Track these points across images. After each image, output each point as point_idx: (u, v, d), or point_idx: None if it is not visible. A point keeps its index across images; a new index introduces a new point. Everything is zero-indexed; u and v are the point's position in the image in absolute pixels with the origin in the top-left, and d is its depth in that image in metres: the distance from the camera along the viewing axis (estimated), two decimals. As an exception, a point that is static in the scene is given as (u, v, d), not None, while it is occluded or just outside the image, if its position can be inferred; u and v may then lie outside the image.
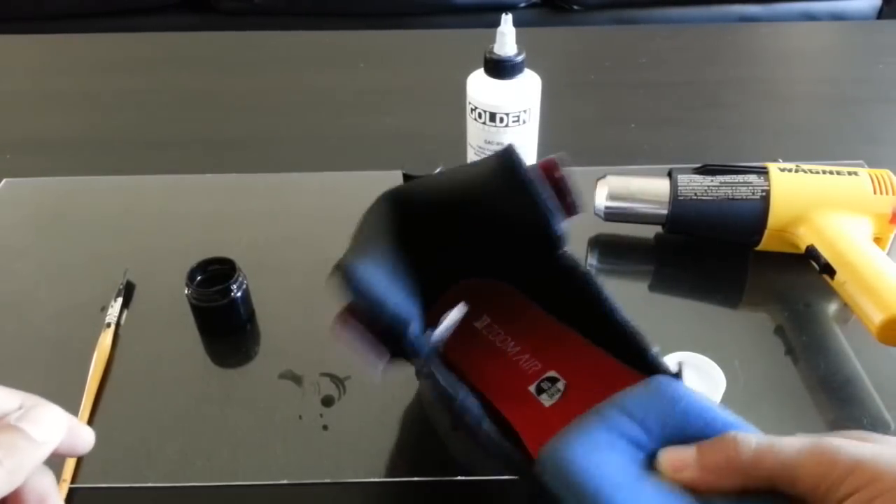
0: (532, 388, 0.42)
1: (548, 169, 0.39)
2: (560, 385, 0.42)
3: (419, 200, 0.43)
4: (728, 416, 0.33)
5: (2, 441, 0.27)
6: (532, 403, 0.42)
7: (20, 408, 0.29)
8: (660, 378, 0.35)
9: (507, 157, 0.39)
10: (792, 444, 0.31)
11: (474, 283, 0.47)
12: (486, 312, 0.46)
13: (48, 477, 0.30)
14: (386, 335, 0.38)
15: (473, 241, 0.44)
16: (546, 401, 0.42)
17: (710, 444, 0.32)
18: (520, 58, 0.56)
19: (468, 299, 0.46)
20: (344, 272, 0.37)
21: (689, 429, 0.33)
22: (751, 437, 0.32)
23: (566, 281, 0.41)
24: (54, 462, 0.31)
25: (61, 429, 0.29)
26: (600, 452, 0.32)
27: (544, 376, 0.43)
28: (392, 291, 0.38)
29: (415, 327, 0.37)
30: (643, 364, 0.38)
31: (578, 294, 0.41)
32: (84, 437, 0.31)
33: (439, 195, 0.43)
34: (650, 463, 0.33)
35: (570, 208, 0.40)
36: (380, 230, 0.41)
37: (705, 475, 0.32)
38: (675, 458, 0.33)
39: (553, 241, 0.40)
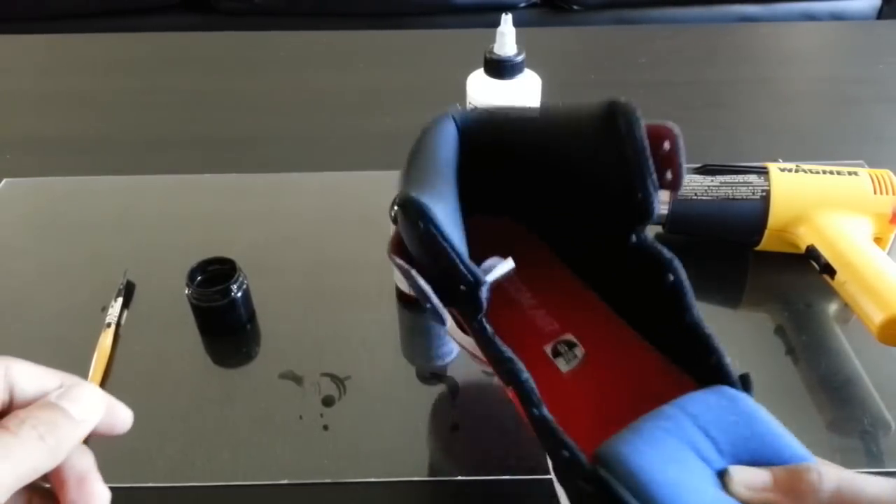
0: (548, 349, 0.40)
1: (658, 136, 0.35)
2: (578, 352, 0.40)
3: (494, 131, 0.39)
4: (798, 445, 0.32)
5: (43, 418, 0.28)
6: (547, 365, 0.39)
7: (60, 386, 0.30)
8: (733, 392, 0.33)
9: (622, 109, 0.34)
10: (876, 483, 0.30)
11: (501, 221, 0.44)
12: (504, 256, 0.42)
13: (88, 456, 0.30)
14: (443, 279, 0.34)
15: (541, 191, 0.40)
16: (562, 366, 0.39)
17: (788, 470, 0.31)
18: (520, 58, 0.56)
19: (488, 237, 0.42)
20: (418, 210, 0.33)
21: (759, 452, 0.32)
22: (832, 471, 0.31)
23: (634, 260, 0.37)
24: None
25: (100, 408, 0.30)
26: (674, 465, 0.30)
27: (561, 338, 0.40)
28: (461, 239, 0.35)
29: (485, 289, 0.34)
30: (701, 370, 0.35)
31: (642, 279, 0.37)
32: (122, 417, 0.31)
33: (520, 129, 0.38)
34: (717, 480, 0.31)
35: (669, 185, 0.35)
36: (442, 156, 0.38)
37: (782, 499, 0.31)
38: (748, 476, 0.31)
39: (641, 215, 0.36)
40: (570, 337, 0.41)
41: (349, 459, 0.47)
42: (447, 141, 0.38)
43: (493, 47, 0.57)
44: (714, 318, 0.55)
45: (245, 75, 0.88)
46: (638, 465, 0.30)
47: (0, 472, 0.25)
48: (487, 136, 0.39)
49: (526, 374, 0.34)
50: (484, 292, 0.34)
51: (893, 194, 0.56)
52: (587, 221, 0.40)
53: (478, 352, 0.40)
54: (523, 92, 0.57)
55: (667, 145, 0.35)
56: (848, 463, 0.45)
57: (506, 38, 0.56)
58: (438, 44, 0.95)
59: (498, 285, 0.39)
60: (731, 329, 0.55)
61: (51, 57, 0.94)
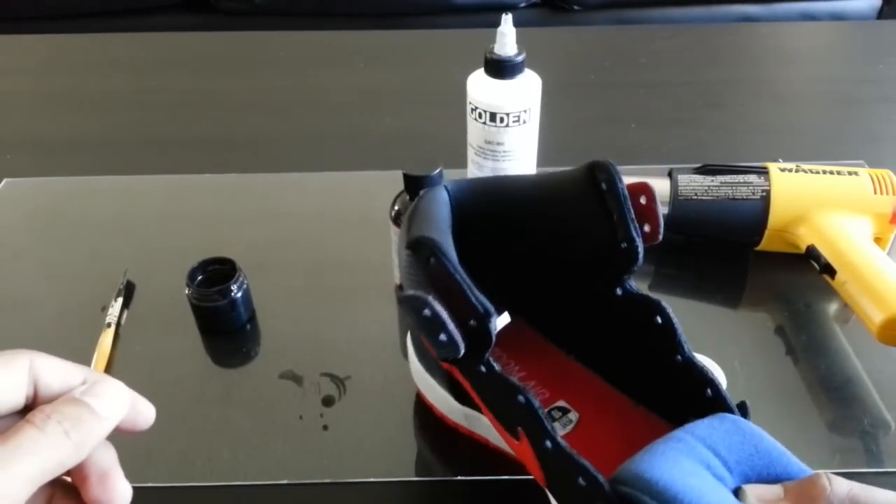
0: None
1: (635, 192, 0.38)
2: (572, 416, 0.41)
3: (484, 198, 0.42)
4: (802, 464, 0.33)
5: (68, 413, 0.28)
6: None
7: (84, 382, 0.30)
8: (734, 417, 0.34)
9: (602, 167, 0.37)
10: (885, 493, 0.31)
11: None
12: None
13: (110, 452, 0.30)
14: (459, 317, 0.36)
15: (531, 252, 0.43)
16: (559, 430, 0.40)
17: (798, 481, 0.32)
18: (520, 58, 0.56)
19: None
20: (429, 245, 0.35)
21: (767, 470, 0.33)
22: (842, 479, 0.31)
23: (622, 310, 0.39)
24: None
25: (125, 404, 0.30)
26: (693, 478, 0.31)
27: (554, 405, 0.42)
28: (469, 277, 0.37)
29: (494, 320, 0.36)
30: (700, 403, 0.37)
31: (630, 327, 0.39)
32: (145, 414, 0.31)
33: (509, 196, 0.41)
34: (731, 496, 0.32)
35: (648, 237, 0.38)
36: (439, 218, 0.40)
37: None
38: (761, 490, 0.32)
39: (627, 263, 0.38)
40: (562, 403, 0.42)
41: (349, 459, 0.47)
42: (441, 207, 0.41)
43: (493, 47, 0.56)
44: (714, 318, 0.56)
45: (245, 75, 0.88)
46: (659, 478, 0.31)
47: (25, 467, 0.26)
48: (478, 204, 0.42)
49: (538, 403, 0.35)
50: (493, 323, 0.36)
51: (893, 194, 0.56)
52: (573, 282, 0.42)
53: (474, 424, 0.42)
54: (523, 92, 0.57)
55: (643, 199, 0.37)
56: (848, 463, 0.46)
57: (506, 38, 0.56)
58: (438, 44, 0.95)
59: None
60: (731, 329, 0.55)
61: (51, 57, 0.94)
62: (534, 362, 0.44)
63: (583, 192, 0.38)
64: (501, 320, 0.39)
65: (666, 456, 0.32)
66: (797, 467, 0.33)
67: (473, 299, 0.35)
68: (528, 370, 0.43)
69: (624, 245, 0.38)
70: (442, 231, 0.39)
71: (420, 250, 0.36)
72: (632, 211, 0.37)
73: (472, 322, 0.36)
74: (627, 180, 0.38)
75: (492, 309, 0.35)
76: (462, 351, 0.35)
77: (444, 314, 0.35)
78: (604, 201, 0.38)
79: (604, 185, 0.37)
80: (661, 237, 0.38)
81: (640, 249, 0.37)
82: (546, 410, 0.41)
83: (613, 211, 0.37)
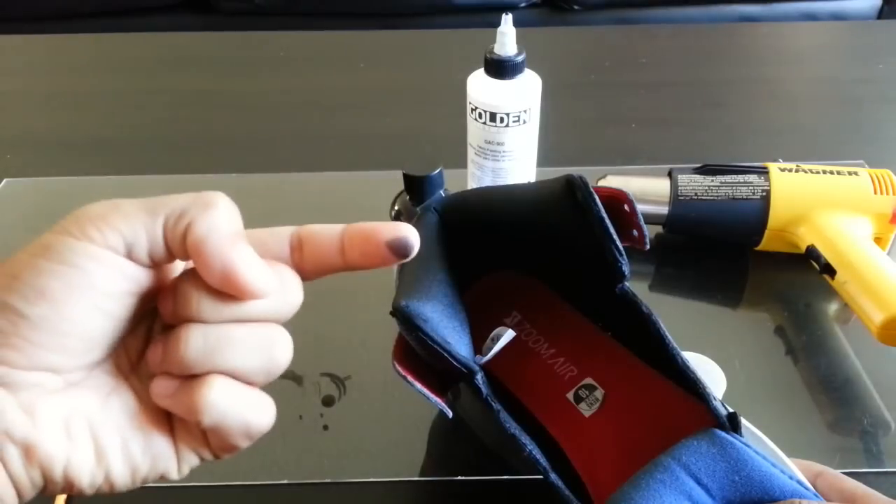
0: (570, 396, 0.41)
1: (618, 199, 0.37)
2: (598, 394, 0.41)
3: (470, 211, 0.42)
4: (788, 481, 0.34)
5: None
6: (571, 413, 0.41)
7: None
8: (723, 437, 0.34)
9: (578, 185, 0.37)
10: None
11: (506, 275, 0.46)
12: (517, 308, 0.45)
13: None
14: (446, 373, 0.37)
15: (525, 257, 0.43)
16: (585, 410, 0.41)
17: None
18: (520, 58, 0.56)
19: (498, 292, 0.46)
20: (405, 315, 0.36)
21: (748, 495, 0.33)
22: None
23: (621, 313, 0.39)
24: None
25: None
26: None
27: (581, 383, 0.42)
28: (453, 333, 0.37)
29: (480, 377, 0.37)
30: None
31: (632, 325, 0.39)
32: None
33: (494, 207, 0.41)
34: None
35: (636, 241, 0.38)
36: (430, 249, 0.40)
37: None
38: None
39: (614, 276, 0.38)
40: (589, 381, 0.42)
41: (349, 459, 0.47)
42: (431, 233, 0.41)
43: (493, 47, 0.56)
44: (714, 318, 0.56)
45: (245, 75, 0.88)
46: None
47: None
48: (464, 216, 0.42)
49: (529, 448, 0.36)
50: (479, 379, 0.36)
51: (893, 194, 0.56)
52: (575, 276, 0.42)
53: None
54: (523, 92, 0.57)
55: (626, 207, 0.37)
56: (848, 463, 0.46)
57: (506, 38, 0.56)
58: (438, 44, 0.96)
59: (516, 338, 0.43)
60: (731, 329, 0.55)
61: (51, 57, 0.94)
62: (563, 337, 0.44)
63: (562, 206, 0.38)
64: (503, 340, 0.39)
65: (649, 489, 0.33)
66: (779, 490, 0.33)
67: (456, 364, 0.36)
68: (558, 346, 0.43)
69: (609, 259, 0.37)
70: (430, 274, 0.39)
71: (400, 320, 0.37)
72: (611, 230, 0.36)
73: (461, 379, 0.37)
74: (606, 183, 0.38)
75: (474, 367, 0.36)
76: (450, 415, 0.37)
77: (427, 392, 0.36)
78: (585, 216, 0.37)
79: (582, 204, 0.37)
80: (647, 244, 0.38)
81: (626, 269, 0.37)
82: (574, 390, 0.42)
83: (594, 228, 0.37)
